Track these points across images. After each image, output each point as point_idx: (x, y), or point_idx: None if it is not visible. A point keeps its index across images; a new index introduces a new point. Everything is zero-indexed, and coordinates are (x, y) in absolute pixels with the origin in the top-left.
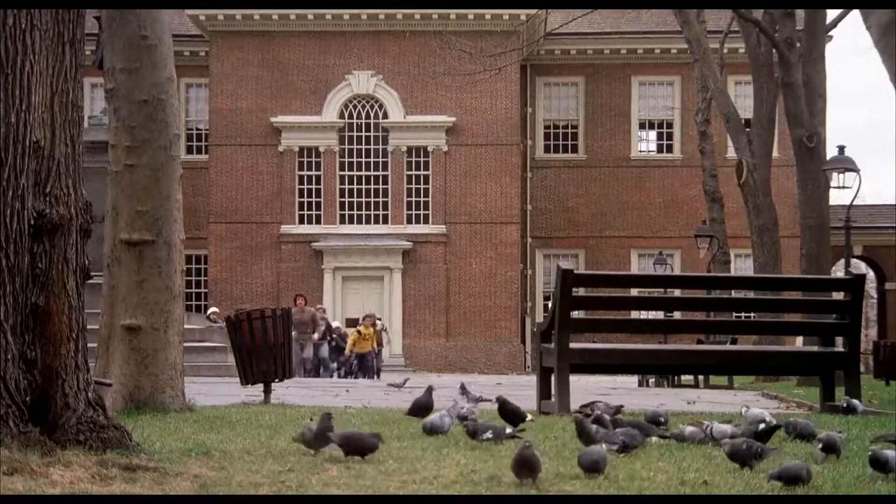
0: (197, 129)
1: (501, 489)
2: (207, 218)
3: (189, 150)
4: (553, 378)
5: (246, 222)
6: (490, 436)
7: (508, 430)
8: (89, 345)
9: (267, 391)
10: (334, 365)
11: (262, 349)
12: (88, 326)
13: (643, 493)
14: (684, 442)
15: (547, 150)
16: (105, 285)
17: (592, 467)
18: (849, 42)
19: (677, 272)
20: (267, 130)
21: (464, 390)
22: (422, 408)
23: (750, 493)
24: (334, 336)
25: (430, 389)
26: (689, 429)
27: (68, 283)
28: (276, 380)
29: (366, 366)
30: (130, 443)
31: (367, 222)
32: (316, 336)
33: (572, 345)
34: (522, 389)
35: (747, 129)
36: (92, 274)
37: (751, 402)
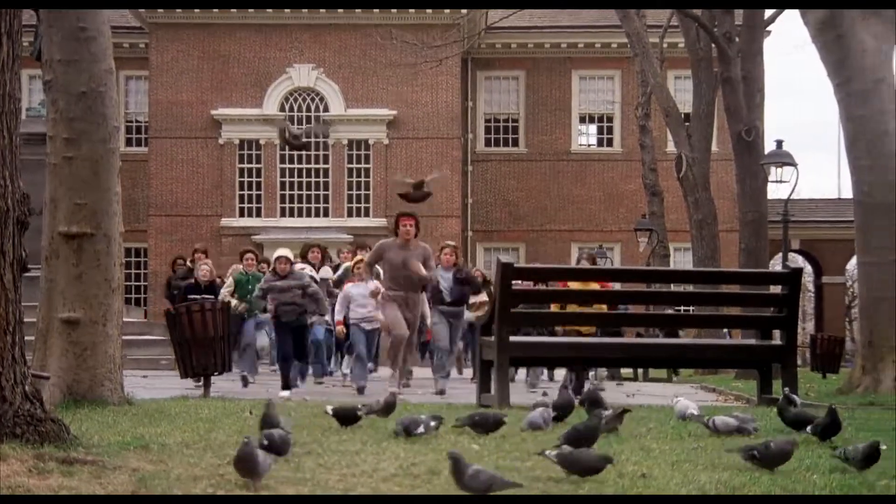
0: (137, 121)
1: (441, 482)
2: (147, 211)
3: (129, 143)
4: (493, 372)
5: (186, 215)
6: (422, 431)
7: (433, 423)
8: (27, 338)
9: (206, 384)
10: None
11: (202, 342)
12: (26, 319)
13: (582, 486)
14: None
15: (488, 143)
16: (43, 278)
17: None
18: (788, 37)
19: (617, 266)
20: (207, 123)
21: None
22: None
23: (687, 484)
24: None
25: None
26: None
27: (5, 276)
28: (216, 373)
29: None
30: (68, 436)
31: (308, 215)
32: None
33: (512, 338)
34: (463, 383)
35: (687, 124)
36: (30, 267)
37: (688, 395)
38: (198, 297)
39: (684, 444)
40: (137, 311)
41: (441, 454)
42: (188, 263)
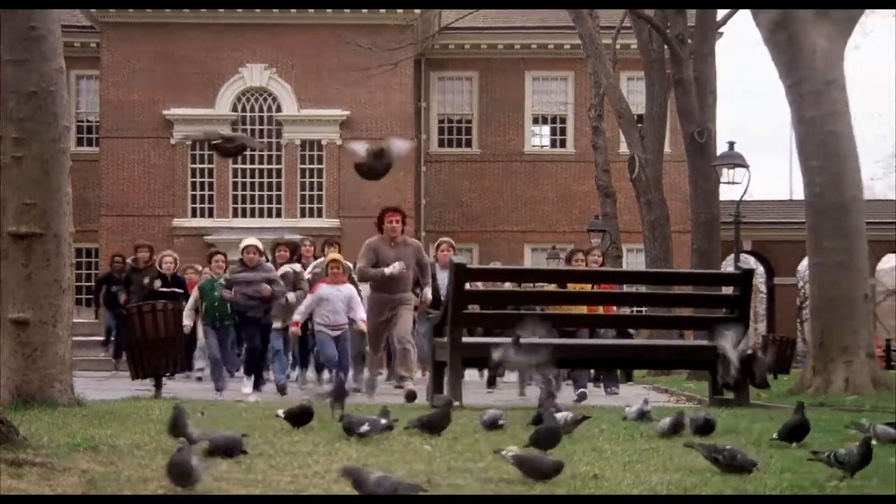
0: (88, 121)
1: None
2: (98, 211)
3: (80, 143)
4: (445, 372)
5: (138, 215)
6: (367, 429)
7: (384, 421)
8: None
9: (158, 385)
10: None
11: (154, 343)
12: None
13: (534, 487)
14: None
15: (441, 144)
16: None
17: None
18: (740, 38)
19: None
20: (159, 123)
21: None
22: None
23: (639, 484)
24: None
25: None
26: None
27: None
28: (168, 374)
29: None
30: (17, 438)
31: (261, 216)
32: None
33: (465, 339)
34: (422, 383)
35: (639, 125)
36: None
37: (644, 396)
38: (167, 290)
39: (636, 444)
40: (88, 311)
41: (395, 455)
42: (127, 261)
